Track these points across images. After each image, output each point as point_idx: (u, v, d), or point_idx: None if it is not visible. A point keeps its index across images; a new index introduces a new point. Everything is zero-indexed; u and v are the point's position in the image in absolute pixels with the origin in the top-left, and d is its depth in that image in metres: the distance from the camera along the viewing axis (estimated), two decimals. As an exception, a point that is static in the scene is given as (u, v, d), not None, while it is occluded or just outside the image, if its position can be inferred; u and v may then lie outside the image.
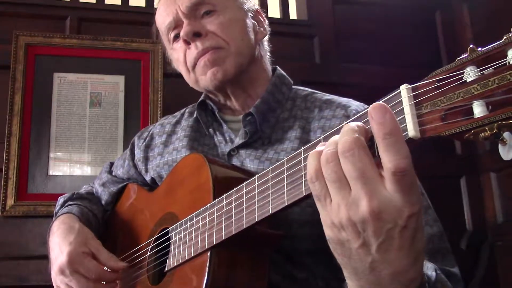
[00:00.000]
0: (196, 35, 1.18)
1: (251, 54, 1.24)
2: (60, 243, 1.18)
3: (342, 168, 0.61)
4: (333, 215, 0.62)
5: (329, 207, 0.63)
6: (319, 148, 0.65)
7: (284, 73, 1.34)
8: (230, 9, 1.23)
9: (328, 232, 0.65)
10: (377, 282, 0.64)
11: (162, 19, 1.25)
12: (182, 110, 1.44)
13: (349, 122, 0.66)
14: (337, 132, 0.67)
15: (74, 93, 2.41)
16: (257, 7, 1.33)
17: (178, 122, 1.39)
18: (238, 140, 1.21)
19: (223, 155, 1.22)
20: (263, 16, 1.34)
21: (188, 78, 1.26)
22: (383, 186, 0.59)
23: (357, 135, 0.61)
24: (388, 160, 0.58)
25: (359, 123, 0.63)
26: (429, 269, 0.86)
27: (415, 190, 0.60)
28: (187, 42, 1.19)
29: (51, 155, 2.32)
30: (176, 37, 1.23)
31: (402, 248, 0.61)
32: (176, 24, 1.22)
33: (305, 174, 0.71)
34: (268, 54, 1.34)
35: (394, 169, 0.58)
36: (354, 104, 1.21)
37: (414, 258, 0.62)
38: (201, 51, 1.17)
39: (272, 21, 1.37)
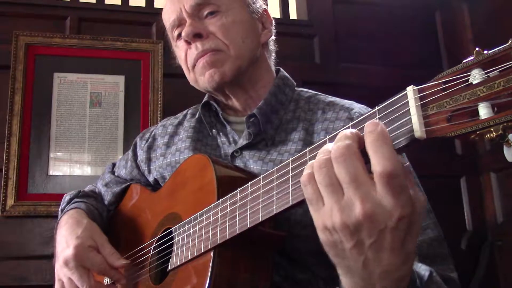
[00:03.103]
0: (197, 36, 1.18)
1: (252, 56, 1.24)
2: (67, 236, 1.19)
3: (335, 173, 0.63)
4: (325, 218, 0.64)
5: (322, 211, 0.65)
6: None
7: (287, 75, 1.34)
8: (234, 10, 1.22)
9: (321, 235, 0.67)
10: (369, 278, 0.66)
11: (167, 16, 1.26)
12: (184, 112, 1.44)
13: (350, 125, 0.68)
14: None
15: (74, 93, 2.41)
16: (264, 7, 1.32)
17: (180, 123, 1.39)
18: (241, 141, 1.21)
19: (226, 156, 1.22)
20: (270, 17, 1.34)
21: (189, 77, 1.27)
22: (374, 189, 0.61)
23: (349, 141, 0.63)
24: (376, 162, 0.60)
25: (354, 130, 0.66)
26: (423, 270, 0.88)
27: (405, 193, 0.61)
28: (188, 42, 1.20)
29: (51, 155, 2.32)
30: (179, 35, 1.24)
31: (393, 249, 0.63)
32: (180, 23, 1.23)
33: None
34: (273, 55, 1.34)
35: (381, 170, 0.60)
36: (357, 107, 1.22)
37: (404, 258, 0.65)
38: (201, 52, 1.18)
39: (272, 21, 1.37)
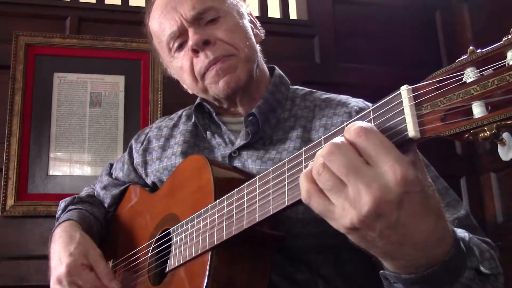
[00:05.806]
0: (206, 43, 1.16)
1: (256, 57, 1.24)
2: (60, 253, 1.18)
3: (333, 172, 0.61)
4: (343, 220, 0.62)
5: (336, 215, 0.63)
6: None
7: (282, 73, 1.34)
8: (231, 14, 1.22)
9: (348, 235, 0.65)
10: (410, 252, 0.64)
11: (162, 27, 1.22)
12: (179, 113, 1.43)
13: (344, 125, 0.67)
14: (339, 132, 0.68)
15: (74, 93, 2.41)
16: (249, 10, 1.32)
17: (175, 126, 1.38)
18: (239, 141, 1.20)
19: (223, 158, 1.22)
20: (255, 18, 1.34)
21: (195, 87, 1.23)
22: (372, 169, 0.60)
23: (335, 140, 0.62)
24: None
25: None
26: (461, 232, 0.82)
27: (393, 151, 0.60)
28: (195, 51, 1.17)
29: (51, 155, 2.32)
30: (180, 45, 1.21)
31: (418, 213, 0.61)
32: (180, 33, 1.19)
33: None
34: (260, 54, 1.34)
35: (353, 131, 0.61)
36: (354, 101, 1.22)
37: (433, 216, 0.63)
38: (213, 60, 1.15)
39: (272, 21, 1.38)
